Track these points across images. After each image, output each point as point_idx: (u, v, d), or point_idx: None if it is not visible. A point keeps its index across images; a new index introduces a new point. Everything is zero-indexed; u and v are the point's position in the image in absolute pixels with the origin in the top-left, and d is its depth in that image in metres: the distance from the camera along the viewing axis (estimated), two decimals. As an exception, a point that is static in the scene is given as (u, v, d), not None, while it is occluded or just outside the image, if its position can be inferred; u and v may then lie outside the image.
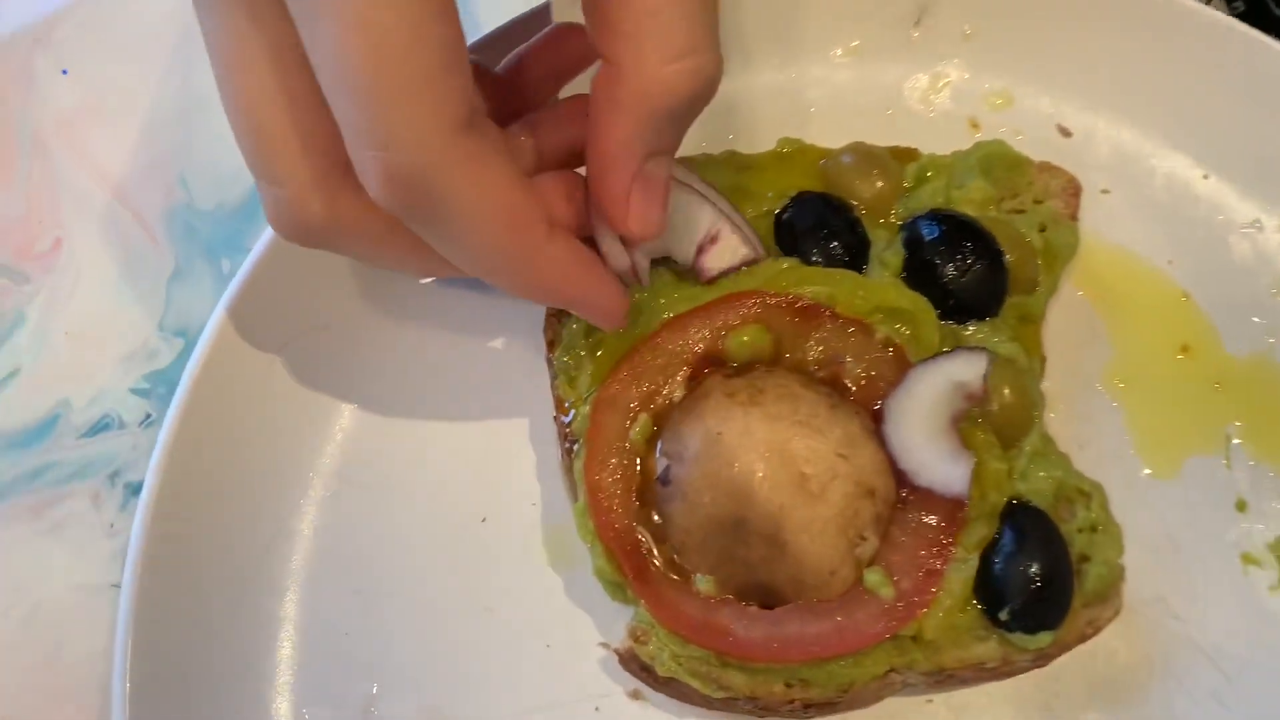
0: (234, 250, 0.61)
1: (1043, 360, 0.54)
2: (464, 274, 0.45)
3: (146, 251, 0.61)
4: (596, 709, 0.50)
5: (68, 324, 0.60)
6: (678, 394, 0.50)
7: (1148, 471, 0.55)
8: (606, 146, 0.43)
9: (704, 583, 0.48)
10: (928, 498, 0.48)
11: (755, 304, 0.50)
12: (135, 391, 0.59)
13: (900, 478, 0.48)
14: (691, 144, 0.57)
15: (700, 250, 0.51)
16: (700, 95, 0.42)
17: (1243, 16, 0.68)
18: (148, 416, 0.58)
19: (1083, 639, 0.50)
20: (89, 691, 0.52)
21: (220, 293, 0.57)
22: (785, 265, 0.51)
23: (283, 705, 0.50)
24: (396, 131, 0.37)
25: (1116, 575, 0.49)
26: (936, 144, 0.59)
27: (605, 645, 0.52)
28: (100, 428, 0.58)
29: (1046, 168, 0.58)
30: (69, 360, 0.59)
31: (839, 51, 0.62)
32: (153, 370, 0.59)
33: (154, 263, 0.61)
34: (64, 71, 0.65)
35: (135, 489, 0.56)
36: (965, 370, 0.47)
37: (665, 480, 0.48)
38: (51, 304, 0.60)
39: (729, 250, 0.51)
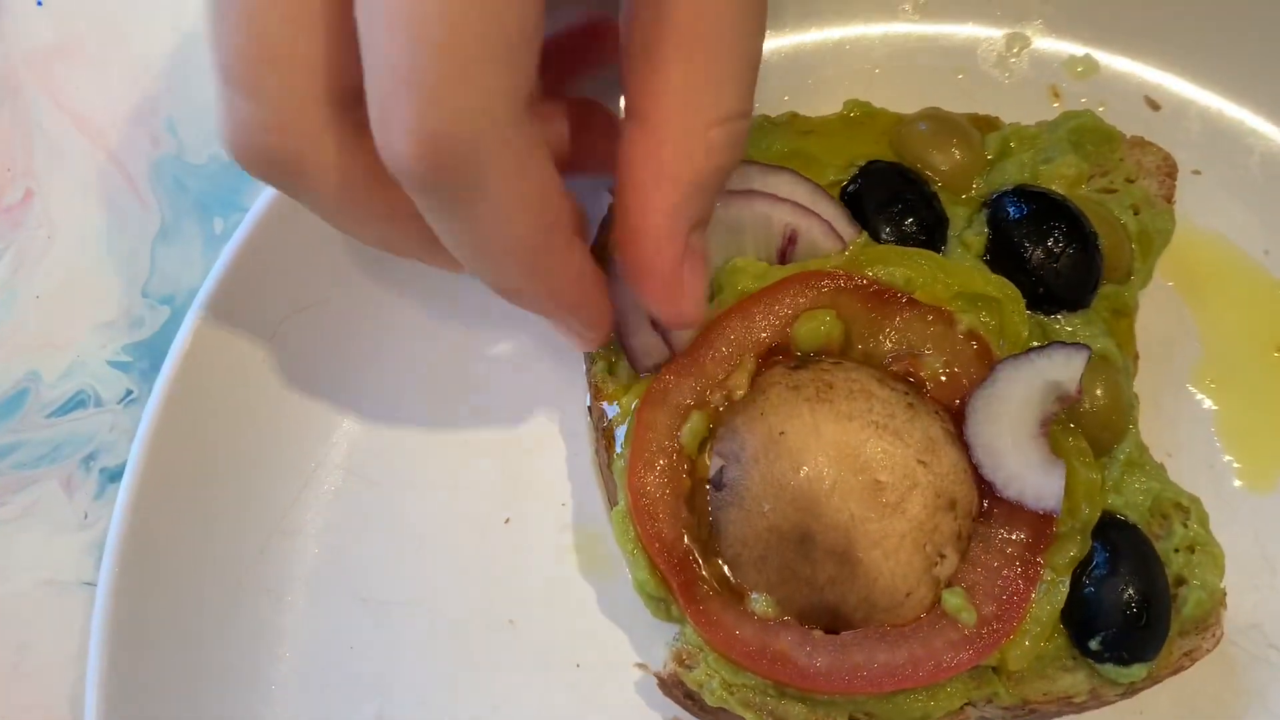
0: (229, 208, 0.58)
1: (1136, 357, 0.50)
2: (445, 264, 0.42)
3: (130, 207, 0.59)
4: None
5: (38, 287, 0.57)
6: (739, 391, 0.45)
7: (1240, 483, 0.53)
8: (649, 220, 0.40)
9: (761, 602, 0.45)
10: (1014, 512, 0.44)
11: (826, 286, 0.46)
12: (114, 365, 0.56)
13: (983, 489, 0.44)
14: None
15: (782, 256, 0.47)
16: (736, 162, 0.41)
17: None
18: (128, 393, 0.55)
19: (1178, 671, 0.47)
20: (57, 700, 0.49)
21: (212, 255, 0.56)
22: (859, 241, 0.47)
23: (280, 716, 0.47)
24: (459, 93, 0.33)
25: (1217, 600, 0.46)
26: (1014, 113, 0.56)
27: (643, 667, 0.50)
28: (74, 405, 0.55)
29: (1139, 143, 0.54)
30: (39, 328, 0.57)
31: (908, 7, 0.58)
32: (135, 341, 0.57)
33: (138, 220, 0.59)
34: (39, 3, 0.61)
35: (113, 475, 0.54)
36: (1062, 368, 0.43)
37: (719, 484, 0.45)
38: (20, 264, 0.57)
39: (810, 247, 0.47)
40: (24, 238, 0.57)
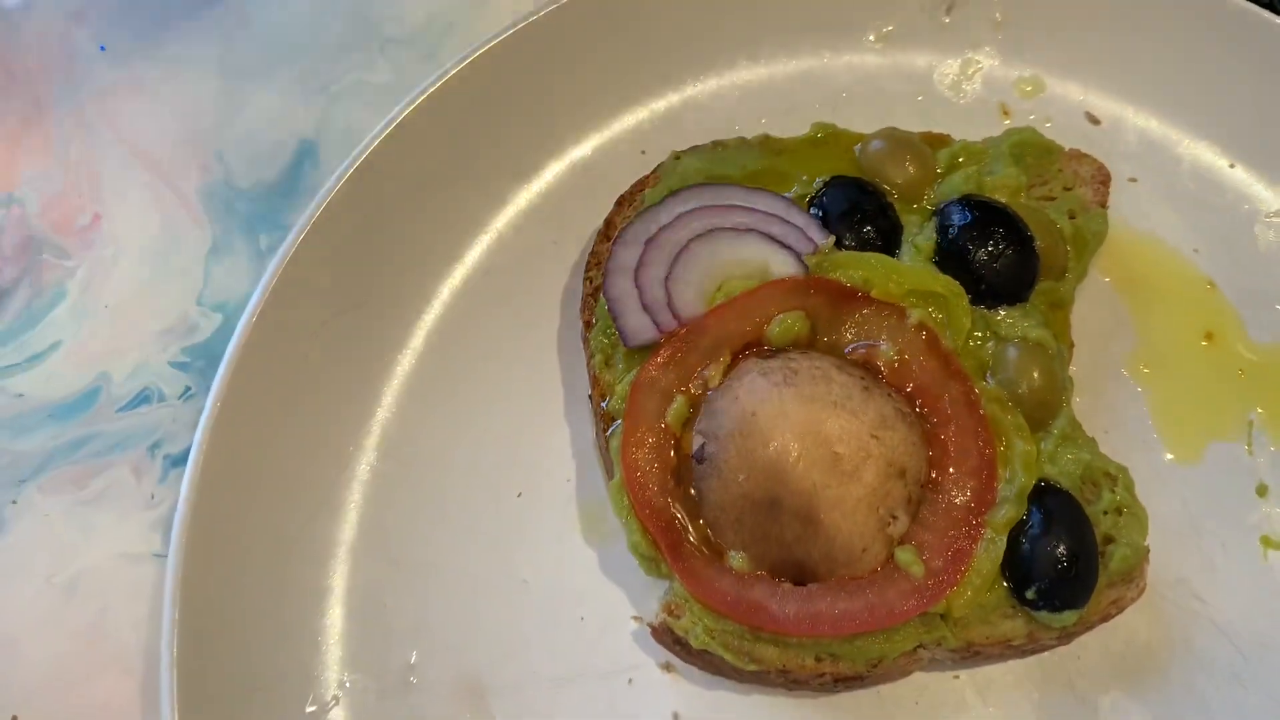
0: (271, 227, 0.61)
1: (1070, 345, 0.54)
2: None
3: (185, 227, 0.61)
4: (630, 681, 0.50)
5: (107, 298, 0.60)
6: (715, 378, 0.50)
7: (1170, 456, 0.56)
8: None
9: (738, 559, 0.49)
10: (959, 480, 0.49)
11: (794, 290, 0.51)
12: (175, 365, 0.59)
13: (932, 460, 0.49)
14: (723, 127, 0.59)
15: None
16: None
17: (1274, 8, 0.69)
18: (187, 389, 0.58)
19: (1106, 618, 0.51)
20: (132, 656, 0.52)
21: (258, 268, 0.60)
22: (826, 247, 0.52)
23: (325, 672, 0.50)
24: None
25: (1141, 557, 0.51)
26: (967, 130, 0.60)
27: (638, 619, 0.53)
28: (140, 400, 0.58)
29: (1076, 155, 0.59)
30: (109, 334, 0.59)
31: (871, 37, 0.63)
32: (192, 344, 0.59)
33: (192, 239, 0.61)
34: (101, 48, 0.65)
35: (175, 460, 0.56)
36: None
37: (700, 458, 0.49)
38: (91, 279, 0.60)
39: (782, 271, 0.52)
40: (93, 256, 0.61)
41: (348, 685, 0.50)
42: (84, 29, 0.65)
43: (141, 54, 0.65)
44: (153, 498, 0.56)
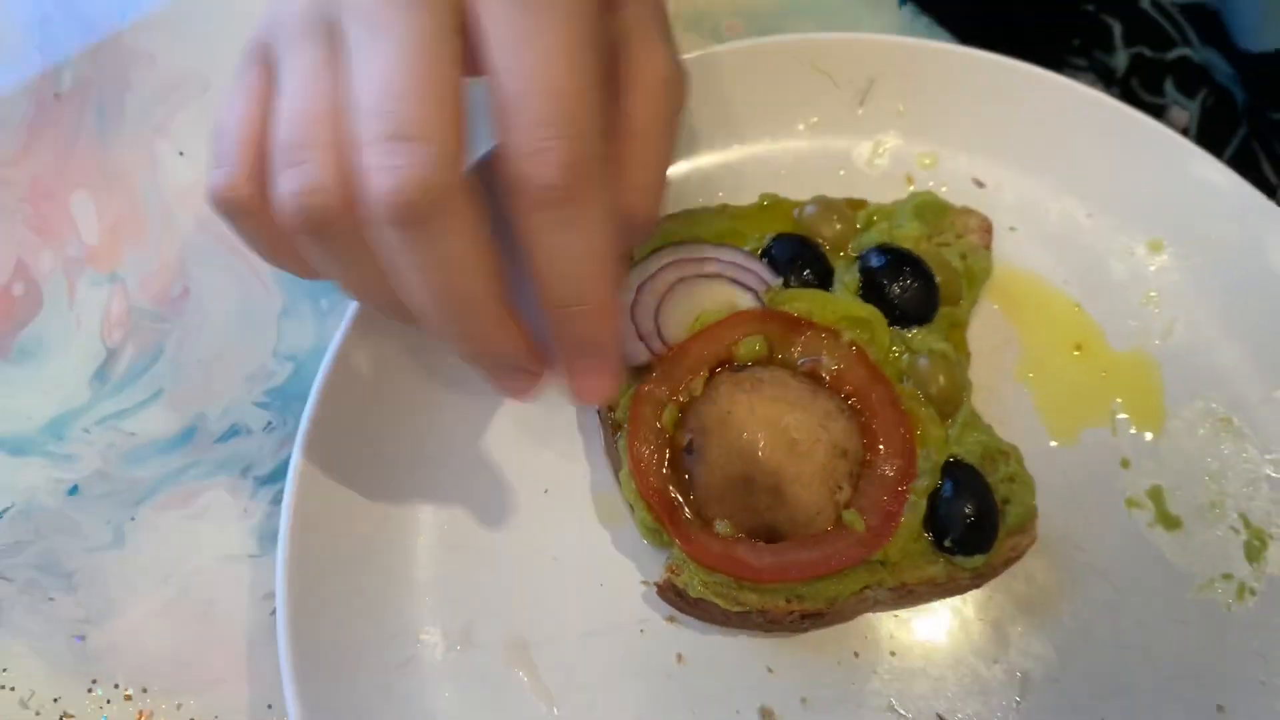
0: (330, 291, 0.68)
1: (968, 355, 0.63)
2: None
3: (259, 294, 0.68)
4: (641, 630, 0.59)
5: (199, 354, 0.67)
6: (697, 389, 0.59)
7: (1054, 442, 0.64)
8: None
9: (723, 526, 0.57)
10: (887, 458, 0.58)
11: (755, 320, 0.61)
12: (258, 404, 0.66)
13: (867, 444, 0.59)
14: (691, 199, 0.68)
15: None
16: None
17: (1120, 95, 0.81)
18: (269, 423, 0.65)
19: (1008, 562, 0.59)
20: (238, 638, 0.60)
21: (319, 325, 0.68)
22: (776, 286, 0.62)
23: (403, 637, 0.58)
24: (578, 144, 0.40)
25: (1031, 513, 0.59)
26: (880, 195, 0.67)
27: (646, 582, 0.60)
28: (231, 434, 0.65)
29: (965, 211, 0.67)
30: (202, 382, 0.66)
31: (801, 126, 0.71)
32: (271, 387, 0.66)
33: (266, 303, 0.68)
34: (181, 153, 0.73)
35: (262, 481, 0.63)
36: None
37: (690, 450, 0.58)
38: (184, 339, 0.67)
39: (745, 305, 0.62)
40: (185, 321, 0.68)
41: (420, 645, 0.59)
42: (166, 140, 0.74)
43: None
44: (245, 511, 0.64)
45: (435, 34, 0.40)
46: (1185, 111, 0.84)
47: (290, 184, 0.41)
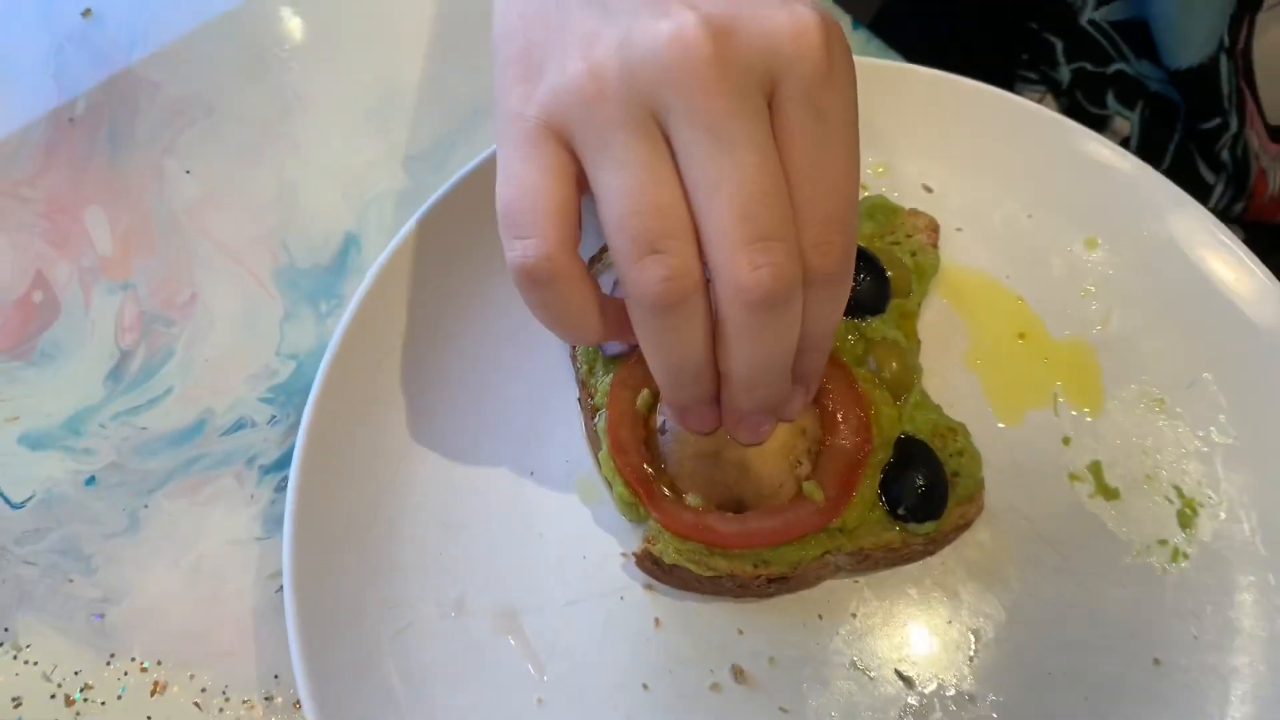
0: (328, 296, 0.72)
1: (919, 343, 0.67)
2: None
3: (262, 300, 0.72)
4: (621, 598, 0.62)
5: (206, 354, 0.70)
6: None
7: (1001, 424, 0.67)
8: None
9: (694, 499, 0.59)
10: (845, 435, 0.62)
11: None
12: (262, 400, 0.69)
13: (824, 424, 0.64)
14: None
15: None
16: None
17: (1067, 106, 0.87)
18: (273, 417, 0.68)
19: (958, 529, 0.62)
20: (243, 616, 0.63)
21: (319, 328, 0.72)
22: None
23: (401, 607, 0.61)
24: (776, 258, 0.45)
25: (978, 485, 0.62)
26: None
27: (625, 554, 0.63)
28: (237, 427, 0.68)
29: (914, 213, 0.71)
30: (209, 380, 0.69)
31: None
32: (274, 384, 0.69)
33: (268, 308, 0.71)
34: (187, 172, 0.77)
35: (266, 469, 0.67)
36: None
37: (663, 431, 0.60)
38: (192, 340, 0.70)
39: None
40: (193, 324, 0.71)
41: (416, 615, 0.63)
42: (173, 158, 0.79)
43: (218, 176, 0.78)
44: (251, 498, 0.68)
45: (769, 146, 0.45)
46: (1127, 121, 0.91)
47: (659, 270, 0.45)
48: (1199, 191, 0.74)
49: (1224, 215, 0.86)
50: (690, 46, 0.43)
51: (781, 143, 0.45)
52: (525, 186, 0.46)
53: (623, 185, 0.45)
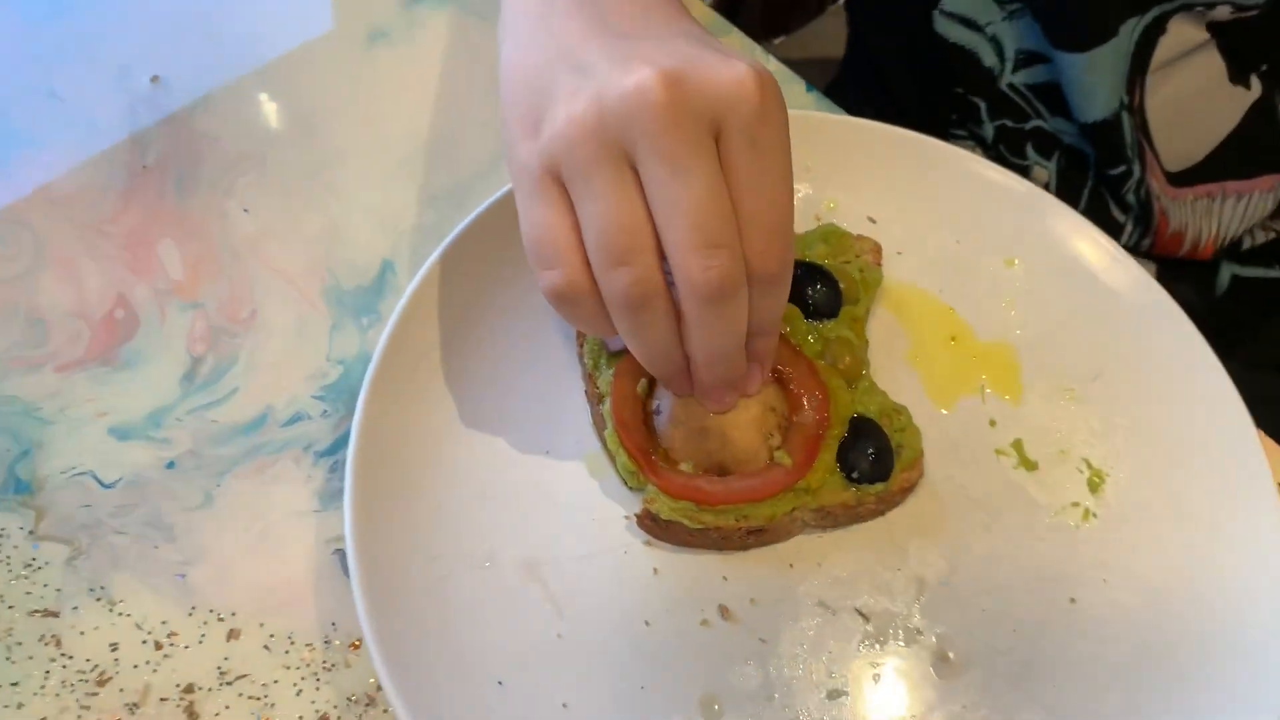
0: (368, 312, 0.80)
1: (866, 343, 0.74)
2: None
3: (313, 315, 0.79)
4: (625, 552, 0.69)
5: (266, 359, 0.78)
6: None
7: (944, 411, 0.76)
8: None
9: (686, 466, 0.66)
10: (807, 413, 0.72)
11: None
12: (315, 397, 0.77)
13: (791, 404, 0.76)
14: None
15: None
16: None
17: (994, 158, 0.94)
18: (324, 411, 0.75)
19: (903, 492, 0.69)
20: (305, 575, 0.70)
21: (361, 338, 0.82)
22: None
23: (441, 560, 0.68)
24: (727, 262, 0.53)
25: (918, 454, 0.70)
26: (796, 228, 0.68)
27: (627, 516, 0.69)
28: (295, 420, 0.75)
29: (861, 238, 0.78)
30: (270, 382, 0.77)
31: None
32: (325, 384, 0.77)
33: (318, 321, 0.79)
34: (245, 210, 0.85)
35: (320, 454, 0.74)
36: None
37: (658, 412, 0.68)
38: (255, 349, 0.79)
39: None
40: (254, 335, 0.79)
41: (455, 565, 0.70)
42: (232, 199, 0.89)
43: (272, 214, 0.87)
44: (308, 478, 0.74)
45: (716, 172, 0.52)
46: (1045, 170, 1.03)
47: (625, 278, 0.53)
48: (1111, 230, 0.79)
49: (1134, 250, 0.94)
50: (650, 95, 0.49)
51: (727, 170, 0.51)
52: (543, 225, 0.54)
53: (598, 211, 0.52)
